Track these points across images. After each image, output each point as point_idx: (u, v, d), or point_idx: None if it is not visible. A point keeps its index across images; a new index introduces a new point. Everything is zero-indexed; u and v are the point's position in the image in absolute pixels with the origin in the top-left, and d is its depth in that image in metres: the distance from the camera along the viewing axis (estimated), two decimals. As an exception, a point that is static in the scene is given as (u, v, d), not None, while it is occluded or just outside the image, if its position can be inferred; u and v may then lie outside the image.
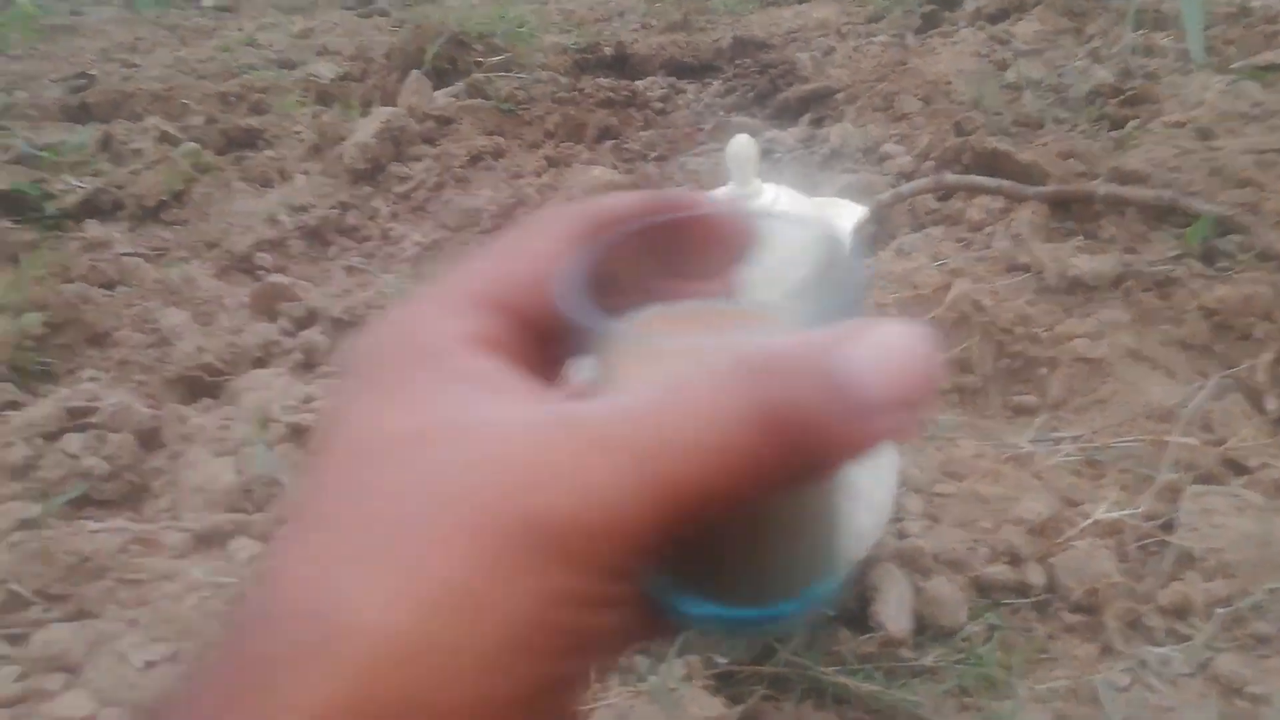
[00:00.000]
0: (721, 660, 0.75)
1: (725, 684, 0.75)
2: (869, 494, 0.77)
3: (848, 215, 0.79)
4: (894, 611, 0.81)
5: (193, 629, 0.83)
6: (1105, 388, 1.07)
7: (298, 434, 1.08)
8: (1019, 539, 0.87)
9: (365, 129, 1.88)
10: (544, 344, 0.25)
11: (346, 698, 0.19)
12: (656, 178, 1.76)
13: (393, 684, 0.19)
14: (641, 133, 1.91)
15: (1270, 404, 1.11)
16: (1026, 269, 1.29)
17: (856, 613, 0.82)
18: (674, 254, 0.27)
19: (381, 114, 1.91)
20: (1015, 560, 0.86)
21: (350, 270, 1.65)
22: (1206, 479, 0.95)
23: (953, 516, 0.92)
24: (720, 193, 0.77)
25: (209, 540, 0.94)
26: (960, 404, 1.13)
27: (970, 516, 0.92)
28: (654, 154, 1.83)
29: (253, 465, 1.01)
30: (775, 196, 0.73)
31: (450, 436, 0.21)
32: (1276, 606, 0.80)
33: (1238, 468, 0.96)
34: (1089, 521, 0.89)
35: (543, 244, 0.26)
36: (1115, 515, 0.88)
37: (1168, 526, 0.88)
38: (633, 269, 0.26)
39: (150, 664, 0.80)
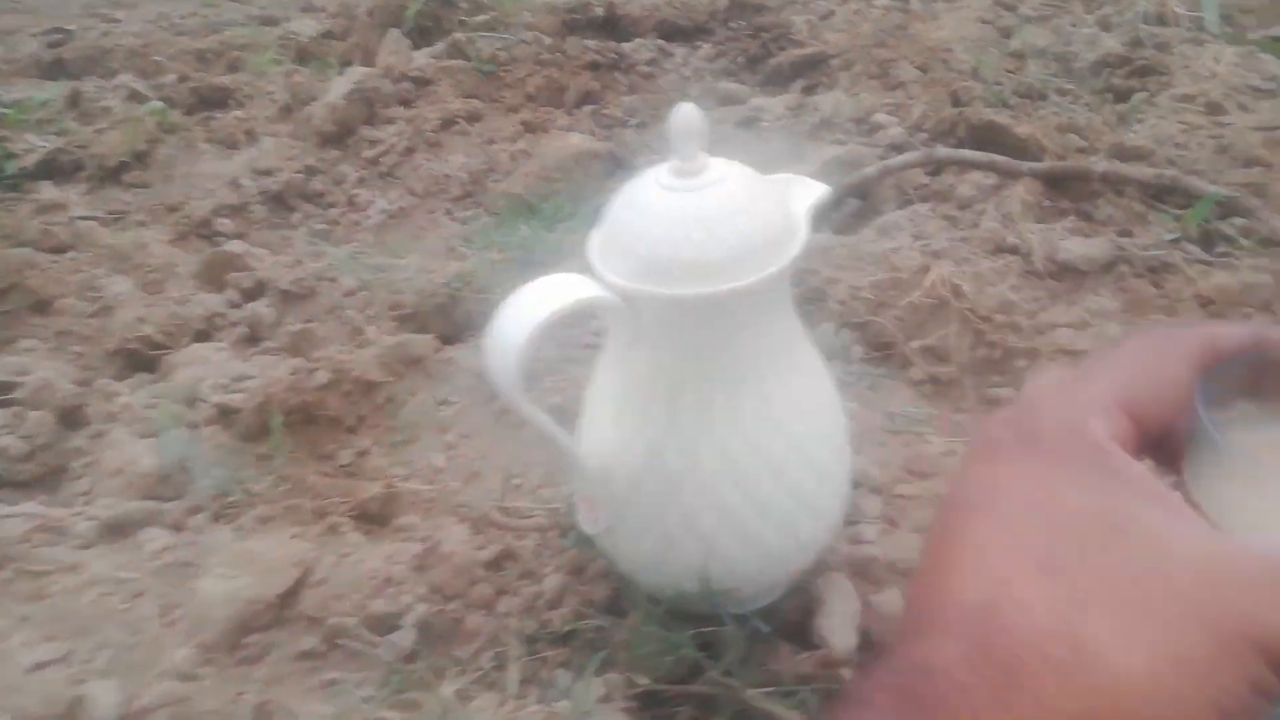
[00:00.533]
0: (644, 680, 0.69)
1: (647, 705, 0.69)
2: (813, 496, 0.71)
3: (806, 193, 0.71)
4: (838, 626, 0.74)
5: (87, 628, 0.77)
6: (1087, 382, 1.00)
7: (225, 415, 1.02)
8: (981, 548, 0.81)
9: (336, 90, 1.81)
10: (1150, 451, 0.32)
11: (1093, 708, 0.26)
12: (635, 145, 1.67)
13: (1130, 709, 0.26)
14: (624, 98, 1.82)
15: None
16: (1014, 251, 1.21)
17: (799, 627, 0.76)
18: (1267, 385, 0.32)
19: (354, 74, 1.83)
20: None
21: (312, 238, 1.59)
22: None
23: (912, 521, 0.86)
24: (664, 167, 0.69)
25: (118, 530, 0.88)
26: (933, 395, 1.05)
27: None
28: (634, 120, 1.74)
29: (172, 450, 0.95)
30: (723, 174, 0.65)
31: (1151, 534, 0.28)
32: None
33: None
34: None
35: (1168, 363, 0.32)
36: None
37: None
38: (1235, 395, 0.32)
39: (39, 665, 0.74)
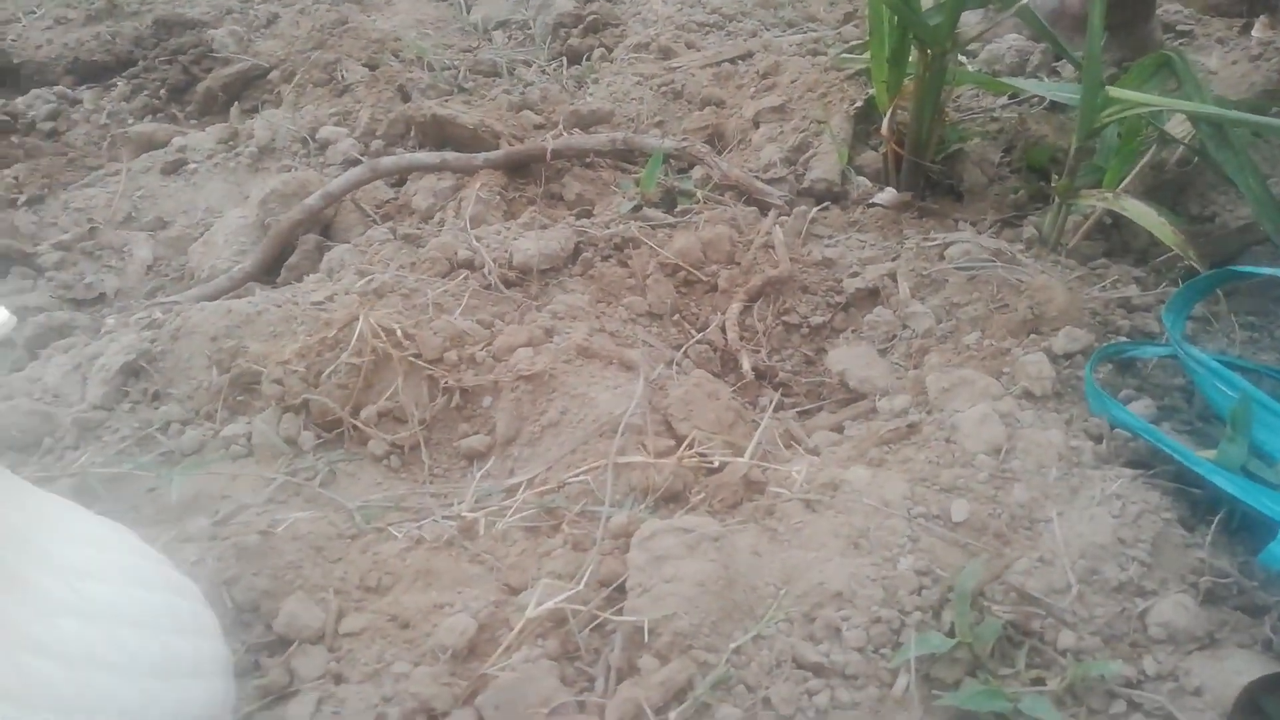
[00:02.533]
0: None
1: None
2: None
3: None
4: None
5: None
6: (554, 406, 0.87)
7: None
8: (438, 682, 0.64)
9: None
10: None
11: None
12: (32, 228, 1.32)
13: None
14: (7, 170, 1.44)
15: (745, 363, 0.98)
16: (470, 265, 1.06)
17: None
18: None
19: None
20: (434, 717, 0.63)
21: None
22: (666, 503, 0.78)
23: (362, 667, 0.67)
24: None
25: None
26: (400, 470, 0.88)
27: (385, 658, 0.67)
28: (23, 196, 1.38)
29: None
30: None
31: None
32: (745, 673, 0.63)
33: (698, 476, 0.80)
34: (525, 619, 0.67)
35: None
36: (554, 603, 0.68)
37: (619, 594, 0.69)
38: None
39: None
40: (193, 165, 1.39)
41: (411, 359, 0.90)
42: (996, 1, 1.32)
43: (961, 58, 1.47)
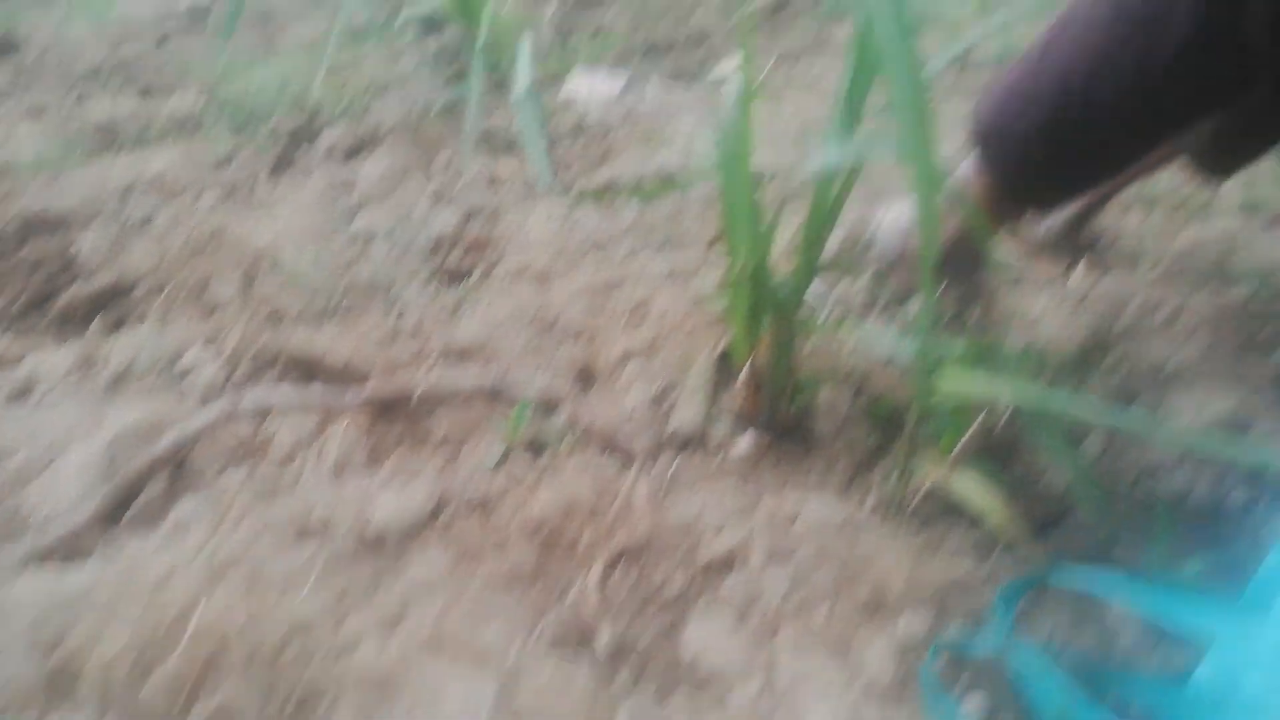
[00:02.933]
0: None
1: None
2: None
3: None
4: None
5: None
6: (400, 707, 0.84)
7: None
8: None
9: None
10: None
11: None
12: None
13: None
14: None
15: (603, 636, 0.98)
16: (326, 528, 1.04)
17: None
18: None
19: None
20: None
21: None
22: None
23: None
24: None
25: None
26: (226, 782, 0.82)
27: None
28: None
29: None
30: None
31: None
32: None
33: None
34: None
35: None
36: None
37: None
38: None
39: None
40: (43, 389, 1.34)
41: (248, 654, 0.86)
42: (842, 270, 1.43)
43: (814, 295, 1.57)
